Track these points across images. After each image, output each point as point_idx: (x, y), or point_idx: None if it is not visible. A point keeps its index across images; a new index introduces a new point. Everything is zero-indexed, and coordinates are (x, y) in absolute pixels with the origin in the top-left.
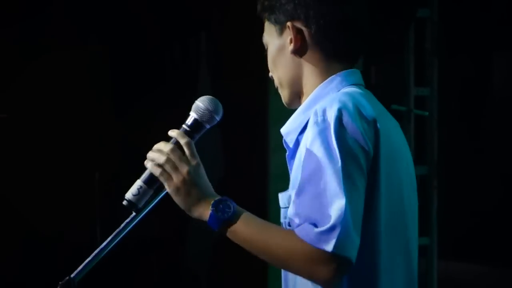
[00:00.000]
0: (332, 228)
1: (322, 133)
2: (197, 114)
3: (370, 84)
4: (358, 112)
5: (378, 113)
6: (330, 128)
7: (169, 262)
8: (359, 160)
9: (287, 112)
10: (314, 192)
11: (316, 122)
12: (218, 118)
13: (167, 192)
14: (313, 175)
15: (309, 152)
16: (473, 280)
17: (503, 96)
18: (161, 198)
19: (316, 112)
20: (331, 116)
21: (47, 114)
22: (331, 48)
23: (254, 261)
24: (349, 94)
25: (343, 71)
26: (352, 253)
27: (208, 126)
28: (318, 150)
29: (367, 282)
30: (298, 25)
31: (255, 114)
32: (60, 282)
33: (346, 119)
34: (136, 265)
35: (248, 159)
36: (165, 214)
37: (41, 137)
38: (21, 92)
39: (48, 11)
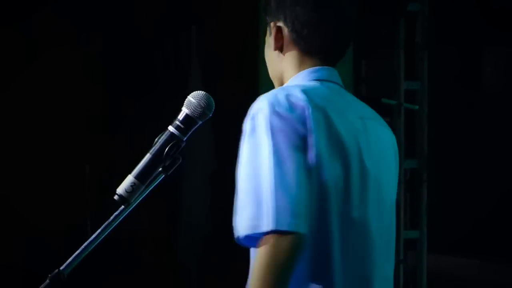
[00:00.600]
0: (261, 210)
1: (247, 125)
2: (189, 110)
3: (360, 78)
4: (285, 101)
5: (334, 108)
6: (255, 118)
7: (159, 256)
8: (287, 142)
9: None
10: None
11: (246, 117)
12: (210, 114)
13: (156, 185)
14: (244, 172)
15: (240, 147)
16: (462, 274)
17: (492, 91)
18: (150, 191)
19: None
20: (256, 110)
21: (38, 108)
22: (305, 46)
23: (246, 254)
24: (289, 87)
25: (311, 68)
26: (293, 222)
27: (200, 122)
28: (244, 145)
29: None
30: (279, 24)
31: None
32: (49, 275)
33: (272, 109)
34: (127, 259)
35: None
36: (155, 208)
37: (32, 131)
38: (12, 88)
39: (41, 8)
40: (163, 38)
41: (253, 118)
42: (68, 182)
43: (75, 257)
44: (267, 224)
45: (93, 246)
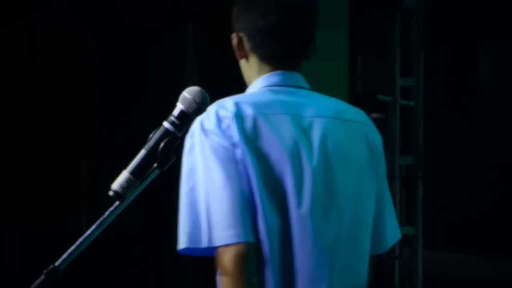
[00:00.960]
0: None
1: (186, 142)
2: (184, 105)
3: (356, 75)
4: (214, 116)
5: (271, 113)
6: (192, 136)
7: (155, 254)
8: (218, 156)
9: None
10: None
11: (187, 134)
12: (205, 109)
13: (152, 181)
14: (183, 188)
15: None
16: (458, 270)
17: (488, 87)
18: (146, 187)
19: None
20: (192, 127)
21: (34, 104)
22: (261, 53)
23: None
24: (224, 100)
25: (266, 74)
26: (229, 234)
27: (195, 117)
28: (184, 162)
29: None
30: (240, 34)
31: None
32: (44, 270)
33: (201, 126)
34: (122, 255)
35: None
36: (150, 204)
37: (27, 128)
38: (7, 85)
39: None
40: (158, 34)
41: (191, 136)
42: (64, 179)
43: (70, 253)
44: (204, 241)
45: (88, 242)
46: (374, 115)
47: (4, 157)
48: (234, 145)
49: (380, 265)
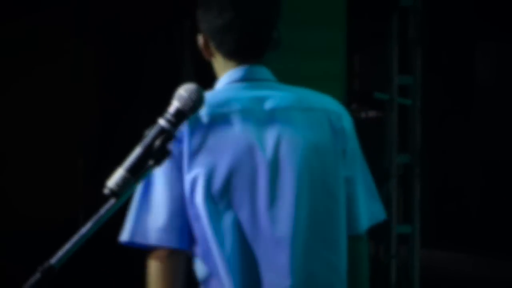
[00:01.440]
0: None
1: None
2: (179, 103)
3: (354, 73)
4: None
5: (227, 110)
6: None
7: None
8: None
9: None
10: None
11: None
12: (200, 107)
13: (148, 178)
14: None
15: None
16: (455, 268)
17: (486, 85)
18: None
19: None
20: None
21: (32, 102)
22: (223, 50)
23: None
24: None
25: (229, 70)
26: (156, 236)
27: (191, 115)
28: None
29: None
30: (204, 35)
31: None
32: (39, 268)
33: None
34: (117, 254)
35: None
36: None
37: (25, 125)
38: (5, 83)
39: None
40: (155, 33)
41: None
42: (60, 175)
43: (66, 250)
44: (140, 238)
45: (84, 240)
46: (372, 113)
47: (2, 155)
48: (181, 150)
49: (377, 264)
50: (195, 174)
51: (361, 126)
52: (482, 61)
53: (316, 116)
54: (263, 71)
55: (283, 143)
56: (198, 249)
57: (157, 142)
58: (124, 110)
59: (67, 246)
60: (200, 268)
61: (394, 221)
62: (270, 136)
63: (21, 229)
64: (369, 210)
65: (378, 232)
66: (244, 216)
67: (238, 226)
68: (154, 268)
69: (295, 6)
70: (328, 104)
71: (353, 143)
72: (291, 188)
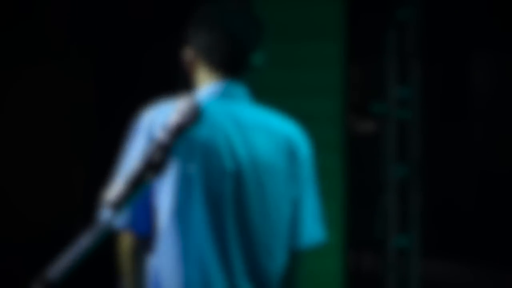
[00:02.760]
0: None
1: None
2: (181, 118)
3: (351, 84)
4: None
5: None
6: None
7: None
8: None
9: None
10: None
11: None
12: (199, 122)
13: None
14: None
15: None
16: (453, 279)
17: (483, 96)
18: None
19: None
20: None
21: (31, 103)
22: (207, 65)
23: None
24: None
25: (211, 83)
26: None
27: (189, 129)
28: None
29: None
30: (190, 49)
31: None
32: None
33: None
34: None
35: None
36: None
37: (23, 126)
38: (4, 84)
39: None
40: (153, 35)
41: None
42: (59, 179)
43: (67, 266)
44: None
45: (86, 255)
46: (369, 125)
47: (1, 157)
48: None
49: (375, 277)
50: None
51: (358, 137)
52: (479, 71)
53: (277, 139)
54: (240, 88)
55: (244, 158)
56: (155, 241)
57: (157, 156)
58: (123, 113)
59: (67, 260)
60: (154, 261)
61: (392, 233)
62: (235, 149)
63: (19, 232)
64: (311, 232)
65: (376, 244)
66: (205, 217)
67: (199, 222)
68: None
69: (293, 18)
70: (291, 130)
71: (306, 168)
72: (247, 198)
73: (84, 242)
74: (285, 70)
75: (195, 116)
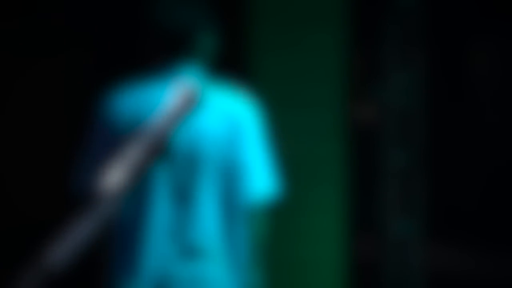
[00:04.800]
0: None
1: None
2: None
3: (353, 70)
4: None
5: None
6: None
7: None
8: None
9: None
10: None
11: None
12: (194, 108)
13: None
14: None
15: None
16: (457, 268)
17: (481, 82)
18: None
19: None
20: None
21: (27, 99)
22: (155, 46)
23: None
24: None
25: (159, 62)
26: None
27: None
28: None
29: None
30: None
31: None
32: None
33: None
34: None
35: None
36: None
37: (21, 122)
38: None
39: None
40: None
41: None
42: (56, 174)
43: (68, 254)
44: None
45: (88, 243)
46: (371, 111)
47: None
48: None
49: (376, 263)
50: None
51: (359, 124)
52: (481, 57)
53: (220, 110)
54: (188, 67)
55: (192, 130)
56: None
57: (156, 142)
58: None
59: (69, 247)
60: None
61: (392, 221)
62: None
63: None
64: (258, 187)
65: (376, 231)
66: (167, 184)
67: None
68: None
69: (296, 3)
70: (234, 105)
71: (250, 132)
72: (200, 165)
73: (84, 229)
74: (287, 56)
75: (193, 102)
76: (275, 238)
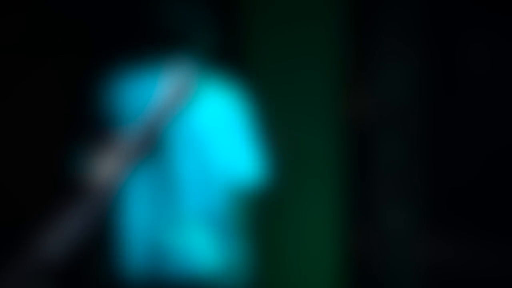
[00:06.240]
0: None
1: None
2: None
3: (350, 63)
4: None
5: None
6: None
7: None
8: None
9: None
10: None
11: None
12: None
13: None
14: None
15: None
16: (452, 260)
17: (479, 73)
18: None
19: None
20: None
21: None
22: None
23: None
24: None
25: None
26: None
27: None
28: None
29: None
30: None
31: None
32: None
33: None
34: None
35: None
36: None
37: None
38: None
39: None
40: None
41: None
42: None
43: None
44: None
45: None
46: (367, 102)
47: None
48: None
49: (369, 256)
50: None
51: (355, 117)
52: (475, 50)
53: (207, 105)
54: (182, 63)
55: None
56: None
57: (151, 134)
58: None
59: (65, 237)
60: None
61: (388, 212)
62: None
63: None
64: (242, 166)
65: (372, 223)
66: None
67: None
68: None
69: None
70: (219, 103)
71: (235, 127)
72: (186, 151)
73: (77, 221)
74: (282, 50)
75: (187, 96)
76: (270, 231)
